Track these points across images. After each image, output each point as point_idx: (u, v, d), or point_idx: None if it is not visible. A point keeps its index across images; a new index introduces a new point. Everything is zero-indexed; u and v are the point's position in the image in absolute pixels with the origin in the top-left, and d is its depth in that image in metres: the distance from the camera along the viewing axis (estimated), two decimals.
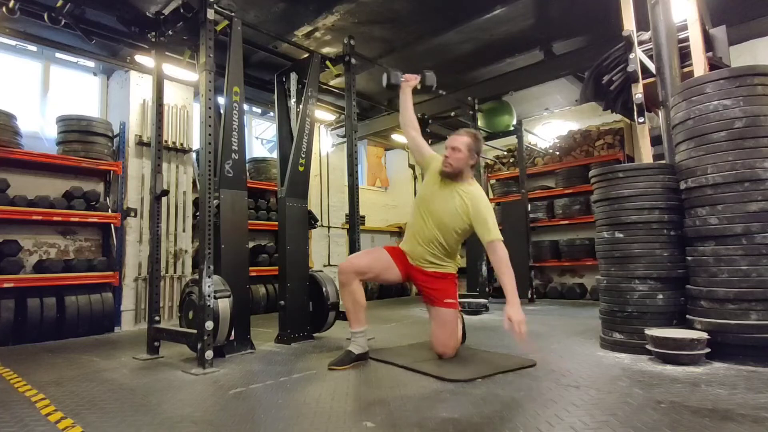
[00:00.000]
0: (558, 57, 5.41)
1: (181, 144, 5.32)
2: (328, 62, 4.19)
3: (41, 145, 4.75)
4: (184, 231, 5.28)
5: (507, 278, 2.51)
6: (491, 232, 2.57)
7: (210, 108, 2.93)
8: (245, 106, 6.23)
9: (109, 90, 5.46)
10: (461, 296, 5.59)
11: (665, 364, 2.46)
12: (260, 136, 7.78)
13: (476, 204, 2.65)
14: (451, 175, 2.72)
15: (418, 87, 3.09)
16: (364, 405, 1.97)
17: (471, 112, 6.29)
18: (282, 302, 3.62)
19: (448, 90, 5.90)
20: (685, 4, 3.56)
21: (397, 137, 8.12)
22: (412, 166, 9.32)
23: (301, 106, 3.89)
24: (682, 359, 2.43)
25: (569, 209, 6.76)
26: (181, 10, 3.15)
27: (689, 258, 2.75)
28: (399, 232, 9.04)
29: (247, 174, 5.33)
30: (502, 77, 5.96)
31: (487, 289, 6.08)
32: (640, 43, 3.68)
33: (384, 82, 3.04)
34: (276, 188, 4.19)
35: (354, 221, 4.01)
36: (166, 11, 3.41)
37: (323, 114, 6.66)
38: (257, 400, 2.12)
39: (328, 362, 2.71)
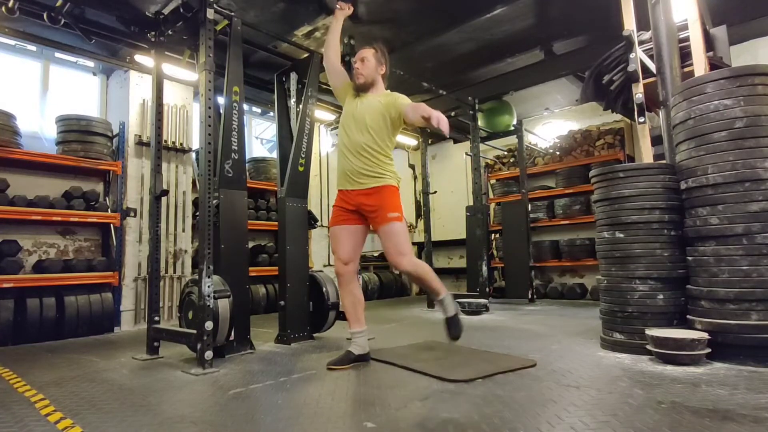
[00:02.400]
0: (558, 57, 5.40)
1: (181, 144, 5.31)
2: None
3: (41, 145, 4.75)
4: (183, 231, 5.27)
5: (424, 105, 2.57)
6: (406, 100, 2.71)
7: (210, 108, 2.93)
8: (245, 106, 6.22)
9: (109, 90, 5.45)
10: (461, 296, 5.60)
11: (666, 365, 2.46)
12: (260, 136, 7.78)
13: (392, 94, 2.79)
14: (365, 86, 2.83)
15: (350, 18, 3.26)
16: (364, 405, 1.97)
17: (471, 112, 6.28)
18: (282, 302, 3.62)
19: (448, 90, 5.89)
20: (685, 3, 3.55)
21: (397, 137, 8.10)
22: (412, 166, 9.32)
23: (301, 106, 3.89)
24: (682, 359, 2.43)
25: (570, 209, 6.76)
26: (181, 10, 3.15)
27: (690, 258, 2.75)
28: None
29: (247, 174, 5.32)
30: (503, 77, 5.94)
31: (487, 289, 6.07)
32: (641, 42, 3.68)
33: (319, 4, 3.21)
34: (276, 188, 4.19)
35: None
36: (166, 11, 3.41)
37: (323, 114, 6.65)
38: (257, 400, 2.11)
39: (327, 362, 2.71)
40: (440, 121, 2.37)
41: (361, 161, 2.71)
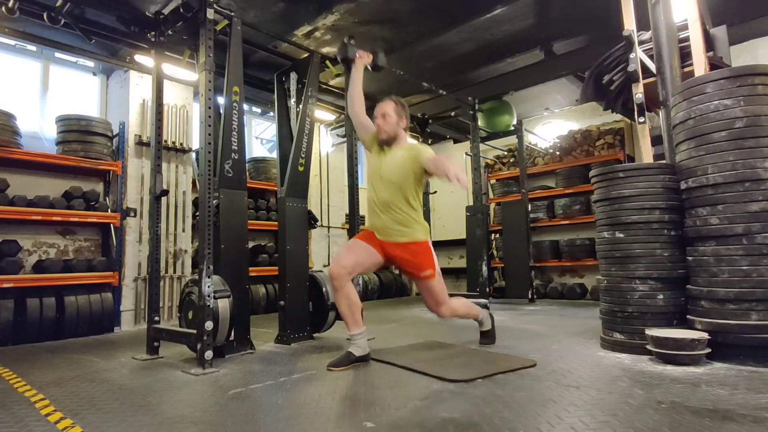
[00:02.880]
0: (558, 57, 5.40)
1: (181, 144, 5.31)
2: (327, 62, 4.19)
3: (41, 145, 4.74)
4: (183, 231, 5.27)
5: (443, 159, 2.60)
6: (430, 152, 2.75)
7: (210, 108, 2.93)
8: (245, 106, 6.22)
9: (109, 90, 5.45)
10: (461, 296, 5.59)
11: (666, 365, 2.46)
12: (260, 136, 7.78)
13: (417, 147, 2.84)
14: (388, 140, 2.87)
15: (369, 66, 3.17)
16: (364, 405, 1.97)
17: (471, 112, 6.28)
18: (282, 302, 3.62)
19: (448, 90, 5.89)
20: (685, 3, 3.55)
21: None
22: None
23: (301, 106, 3.88)
24: (682, 359, 2.43)
25: (570, 209, 6.76)
26: (181, 10, 3.15)
27: (690, 258, 2.75)
28: None
29: (247, 174, 5.32)
30: (503, 77, 5.95)
31: (487, 289, 6.07)
32: (641, 42, 3.68)
33: (339, 55, 3.15)
34: (276, 188, 4.19)
35: (354, 221, 4.01)
36: (166, 11, 3.41)
37: (323, 114, 6.65)
38: (257, 400, 2.11)
39: (327, 362, 2.71)
40: (459, 179, 2.38)
41: (389, 217, 2.80)
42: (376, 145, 2.96)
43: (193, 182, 5.41)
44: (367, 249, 2.84)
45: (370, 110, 3.01)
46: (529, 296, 6.26)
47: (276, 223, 5.11)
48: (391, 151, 2.88)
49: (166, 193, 3.47)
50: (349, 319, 2.75)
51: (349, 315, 2.75)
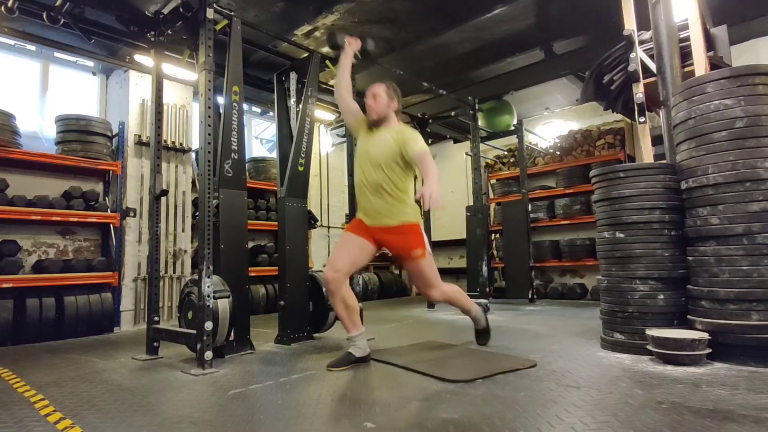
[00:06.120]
0: (558, 56, 5.40)
1: (181, 144, 5.31)
2: (327, 62, 4.18)
3: (40, 145, 4.74)
4: (183, 231, 5.27)
5: (431, 173, 2.53)
6: (418, 145, 2.68)
7: (209, 107, 2.92)
8: (245, 106, 6.21)
9: (108, 89, 5.45)
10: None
11: (666, 365, 2.46)
12: (260, 136, 7.77)
13: (404, 131, 2.79)
14: (378, 122, 2.85)
15: (359, 53, 3.17)
16: (364, 405, 1.96)
17: (471, 112, 6.27)
18: (282, 302, 3.61)
19: (448, 90, 5.88)
20: (686, 3, 3.55)
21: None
22: None
23: (300, 106, 3.88)
24: (683, 360, 2.42)
25: (570, 209, 6.75)
26: (181, 10, 3.15)
27: (690, 258, 2.74)
28: None
29: (247, 174, 5.31)
30: (503, 77, 5.94)
31: (487, 289, 6.06)
32: (641, 42, 3.67)
33: (329, 42, 3.15)
34: (276, 188, 4.18)
35: None
36: (166, 10, 3.40)
37: (323, 113, 6.64)
38: (257, 400, 2.11)
39: (327, 362, 2.70)
40: (432, 201, 2.37)
41: (378, 199, 2.75)
42: (365, 126, 2.94)
43: (193, 182, 5.41)
44: (359, 242, 2.79)
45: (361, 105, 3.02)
46: (530, 296, 6.25)
47: (276, 223, 5.11)
48: (379, 132, 2.85)
49: (165, 193, 3.47)
50: (347, 321, 2.74)
51: (346, 317, 2.73)
